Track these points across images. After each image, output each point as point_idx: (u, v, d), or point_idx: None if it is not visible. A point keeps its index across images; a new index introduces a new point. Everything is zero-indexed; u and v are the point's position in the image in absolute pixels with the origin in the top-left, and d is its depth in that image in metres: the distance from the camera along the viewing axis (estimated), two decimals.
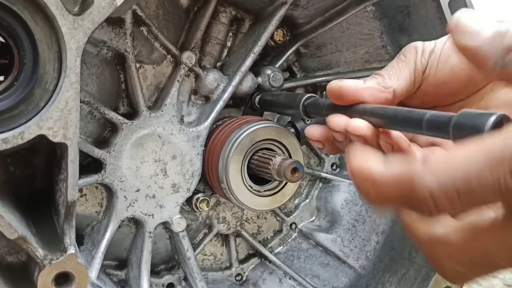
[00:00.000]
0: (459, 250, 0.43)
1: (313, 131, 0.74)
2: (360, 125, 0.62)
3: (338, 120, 0.67)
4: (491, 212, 0.41)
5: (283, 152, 1.00)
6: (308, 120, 1.11)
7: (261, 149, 0.99)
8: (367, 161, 0.45)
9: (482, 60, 0.47)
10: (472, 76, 0.61)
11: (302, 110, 0.87)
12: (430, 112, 0.51)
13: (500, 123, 0.44)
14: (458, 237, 0.43)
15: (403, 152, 0.60)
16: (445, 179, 0.39)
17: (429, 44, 0.68)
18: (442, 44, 0.66)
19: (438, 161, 0.40)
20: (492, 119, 0.44)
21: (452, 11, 0.96)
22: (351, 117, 0.66)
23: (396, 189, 0.42)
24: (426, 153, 0.63)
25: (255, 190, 1.00)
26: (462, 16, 0.51)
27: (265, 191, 1.01)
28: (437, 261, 0.45)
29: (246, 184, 0.99)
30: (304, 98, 0.87)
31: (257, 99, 1.07)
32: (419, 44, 0.69)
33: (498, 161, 0.36)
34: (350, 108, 0.66)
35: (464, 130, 0.46)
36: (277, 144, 1.00)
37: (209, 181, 1.06)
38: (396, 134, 0.62)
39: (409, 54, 0.69)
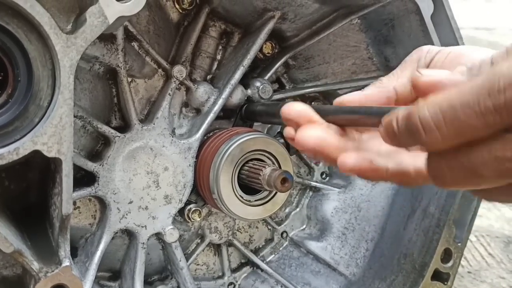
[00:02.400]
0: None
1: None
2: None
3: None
4: None
5: (273, 162, 1.02)
6: None
7: (251, 160, 1.01)
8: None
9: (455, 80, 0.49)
10: None
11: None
12: (389, 107, 0.55)
13: None
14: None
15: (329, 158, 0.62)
16: (434, 107, 0.42)
17: (438, 47, 0.69)
18: (452, 47, 0.68)
19: (433, 97, 0.44)
20: None
21: (435, 24, 1.00)
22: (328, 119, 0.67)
23: (403, 120, 0.46)
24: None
25: (246, 200, 1.02)
26: (421, 70, 0.54)
27: (255, 200, 1.03)
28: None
29: (237, 194, 1.01)
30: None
31: (243, 110, 1.10)
32: (425, 46, 0.71)
33: (478, 89, 0.39)
34: (324, 108, 0.68)
35: None
36: (266, 154, 1.02)
37: (201, 192, 1.07)
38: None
39: (414, 54, 0.70)
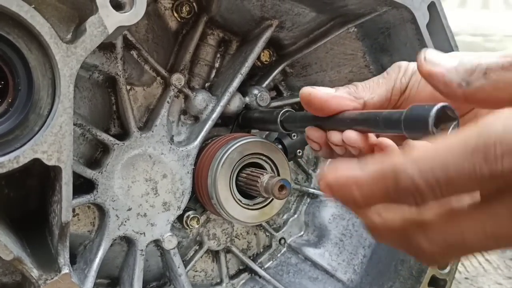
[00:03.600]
0: (436, 231, 0.44)
1: (314, 131, 0.76)
2: (353, 136, 0.65)
3: (336, 136, 0.70)
4: (468, 199, 0.43)
5: (271, 167, 1.03)
6: (294, 136, 1.15)
7: (249, 164, 1.02)
8: (343, 170, 0.46)
9: (448, 83, 0.50)
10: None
11: (280, 124, 0.91)
12: (385, 111, 0.56)
13: (443, 112, 0.49)
14: (436, 219, 0.44)
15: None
16: (426, 169, 0.40)
17: (414, 65, 0.70)
18: None
19: (418, 153, 0.41)
20: (435, 108, 0.49)
21: (430, 33, 1.01)
22: (324, 128, 0.69)
23: (381, 185, 0.43)
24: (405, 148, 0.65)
25: (244, 204, 1.03)
26: (428, 51, 0.55)
27: (254, 204, 1.03)
28: (414, 245, 0.46)
29: (236, 198, 1.02)
30: (281, 112, 0.92)
31: (240, 117, 1.11)
32: (403, 63, 0.71)
33: (473, 152, 0.38)
34: (323, 118, 0.70)
35: (413, 122, 0.51)
36: (264, 158, 1.03)
37: (200, 198, 1.08)
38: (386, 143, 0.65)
39: (392, 72, 0.71)
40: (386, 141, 0.65)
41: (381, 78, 0.71)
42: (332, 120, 0.68)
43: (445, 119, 0.49)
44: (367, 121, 0.60)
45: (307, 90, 0.70)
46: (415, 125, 0.51)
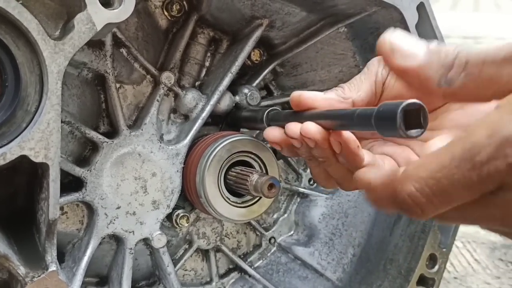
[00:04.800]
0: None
1: (271, 133, 0.81)
2: (311, 127, 0.66)
3: (294, 127, 0.72)
4: None
5: (260, 165, 1.03)
6: None
7: (237, 162, 1.02)
8: (365, 171, 0.54)
9: (424, 81, 0.50)
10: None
11: (266, 122, 0.91)
12: (362, 108, 0.56)
13: (412, 109, 0.48)
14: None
15: (352, 153, 0.64)
16: (420, 182, 0.44)
17: None
18: None
19: (413, 167, 0.45)
20: (403, 104, 0.48)
21: (419, 33, 1.01)
22: (302, 122, 0.70)
23: (385, 193, 0.49)
24: (381, 157, 0.67)
25: (232, 202, 1.03)
26: (395, 39, 0.54)
27: (242, 202, 1.04)
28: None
29: (224, 196, 1.02)
30: (267, 111, 0.92)
31: (229, 116, 1.11)
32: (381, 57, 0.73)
33: (460, 161, 0.41)
34: (302, 113, 0.71)
35: (383, 120, 0.50)
36: (253, 156, 1.03)
37: (189, 196, 1.08)
38: (346, 135, 0.65)
39: (372, 67, 0.72)
40: (348, 134, 0.65)
41: (362, 75, 0.72)
42: (311, 114, 0.69)
43: (415, 116, 0.48)
44: (343, 116, 0.60)
45: (297, 92, 0.71)
46: (385, 124, 0.50)
